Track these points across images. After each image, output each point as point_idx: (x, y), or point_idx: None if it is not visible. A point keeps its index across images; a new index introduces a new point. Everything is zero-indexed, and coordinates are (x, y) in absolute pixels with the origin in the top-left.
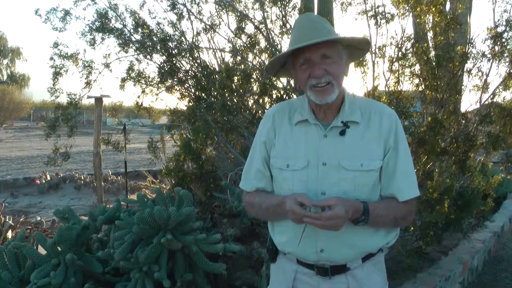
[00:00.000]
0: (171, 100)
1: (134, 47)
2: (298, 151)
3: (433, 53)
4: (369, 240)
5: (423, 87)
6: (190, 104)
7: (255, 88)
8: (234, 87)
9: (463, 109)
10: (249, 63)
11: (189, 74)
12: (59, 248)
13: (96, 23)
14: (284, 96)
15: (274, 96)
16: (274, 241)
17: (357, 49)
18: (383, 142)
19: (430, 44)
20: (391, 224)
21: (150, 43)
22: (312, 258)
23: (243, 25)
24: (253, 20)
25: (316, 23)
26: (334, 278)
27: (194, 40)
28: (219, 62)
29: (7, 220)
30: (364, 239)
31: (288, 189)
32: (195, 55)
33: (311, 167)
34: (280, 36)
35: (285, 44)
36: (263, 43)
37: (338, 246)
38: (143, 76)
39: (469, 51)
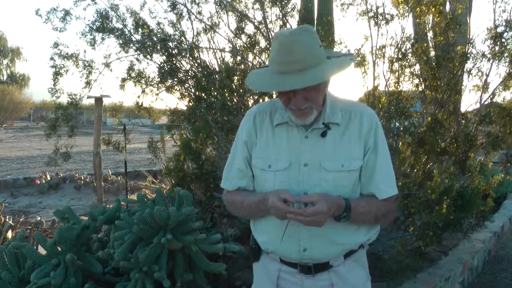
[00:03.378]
0: (171, 100)
1: (134, 47)
2: (280, 152)
3: (433, 53)
4: (351, 238)
5: (423, 87)
6: (190, 104)
7: None
8: (234, 87)
9: (463, 109)
10: (249, 63)
11: (189, 74)
12: (59, 248)
13: (96, 23)
14: None
15: (274, 96)
16: (256, 240)
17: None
18: (363, 142)
19: (430, 44)
20: (371, 221)
21: (150, 43)
22: (295, 257)
23: (243, 25)
24: (253, 20)
25: (298, 53)
26: (317, 275)
27: (194, 40)
28: (219, 62)
29: (7, 220)
30: (346, 237)
31: (270, 190)
32: (195, 55)
33: (292, 168)
34: None
35: None
36: (263, 43)
37: (321, 245)
38: (143, 76)
39: (469, 51)
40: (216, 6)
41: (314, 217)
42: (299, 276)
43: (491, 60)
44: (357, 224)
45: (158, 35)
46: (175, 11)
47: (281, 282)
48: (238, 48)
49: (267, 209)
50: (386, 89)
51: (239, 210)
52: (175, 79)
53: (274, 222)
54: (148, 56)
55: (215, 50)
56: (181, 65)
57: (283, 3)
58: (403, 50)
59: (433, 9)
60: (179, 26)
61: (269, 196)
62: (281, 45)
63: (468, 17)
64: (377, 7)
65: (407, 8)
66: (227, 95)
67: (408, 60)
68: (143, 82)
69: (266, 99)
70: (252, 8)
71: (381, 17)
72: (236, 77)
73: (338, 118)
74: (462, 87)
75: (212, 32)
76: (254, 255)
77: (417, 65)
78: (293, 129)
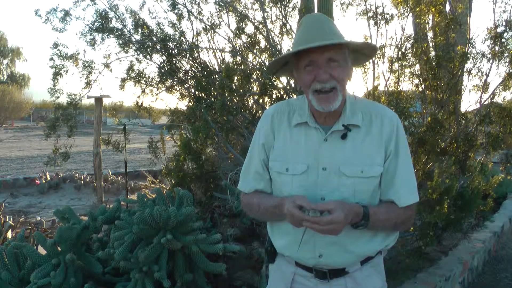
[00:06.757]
0: (171, 100)
1: (134, 47)
2: (298, 154)
3: (433, 53)
4: (368, 246)
5: (423, 87)
6: (190, 104)
7: (255, 88)
8: (234, 87)
9: (463, 109)
10: (249, 63)
11: (189, 74)
12: (59, 248)
13: (96, 23)
14: (284, 96)
15: (274, 96)
16: (273, 243)
17: (362, 54)
18: (384, 147)
19: (430, 44)
20: (390, 228)
21: (150, 43)
22: (310, 262)
23: (243, 25)
24: (253, 20)
25: (324, 25)
26: (332, 281)
27: (194, 40)
28: (219, 62)
29: (7, 220)
30: (362, 245)
31: (288, 193)
32: (195, 55)
33: (310, 171)
34: (280, 36)
35: (285, 44)
36: (263, 43)
37: (337, 252)
38: (143, 76)
39: (469, 51)
40: (216, 6)
41: (330, 226)
42: (314, 281)
43: (491, 60)
44: (374, 232)
45: (158, 35)
46: (175, 11)
47: (296, 286)
48: (238, 48)
49: (283, 214)
50: (386, 89)
51: (255, 213)
52: (175, 79)
53: (291, 227)
54: (148, 56)
55: (215, 50)
56: (181, 65)
57: (284, 3)
58: (403, 50)
59: (433, 9)
60: (179, 26)
61: (285, 201)
62: (307, 23)
63: (468, 17)
64: (377, 7)
65: (407, 8)
66: (227, 95)
67: (408, 60)
68: (143, 82)
69: (267, 99)
70: (252, 8)
71: (380, 17)
72: (236, 77)
73: (358, 120)
74: (462, 87)
75: (212, 32)
76: (270, 257)
77: (417, 65)
78: (311, 130)
